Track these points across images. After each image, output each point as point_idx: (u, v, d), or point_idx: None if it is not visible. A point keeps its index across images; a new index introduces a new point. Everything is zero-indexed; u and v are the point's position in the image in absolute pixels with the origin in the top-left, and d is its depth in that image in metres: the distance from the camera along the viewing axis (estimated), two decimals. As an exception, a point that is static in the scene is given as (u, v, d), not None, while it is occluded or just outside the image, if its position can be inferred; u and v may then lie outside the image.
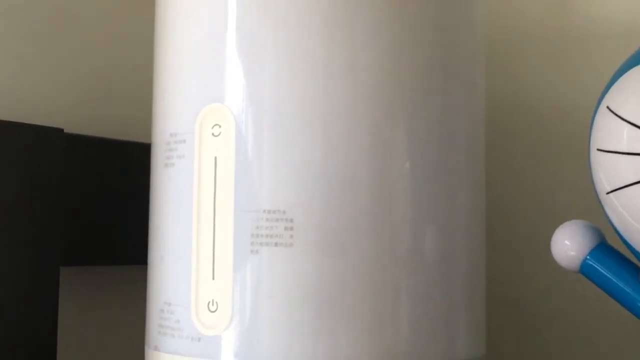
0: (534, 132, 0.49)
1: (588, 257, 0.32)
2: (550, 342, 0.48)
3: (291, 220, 0.32)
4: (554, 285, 0.48)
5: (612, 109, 0.29)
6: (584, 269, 0.32)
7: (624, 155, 0.28)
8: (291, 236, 0.32)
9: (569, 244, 0.32)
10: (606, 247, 0.32)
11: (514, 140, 0.50)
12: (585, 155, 0.31)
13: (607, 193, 0.29)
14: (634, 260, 0.31)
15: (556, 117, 0.48)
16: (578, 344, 0.47)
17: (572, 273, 0.33)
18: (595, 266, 0.32)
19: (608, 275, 0.31)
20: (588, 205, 0.35)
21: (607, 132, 0.29)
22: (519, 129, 0.50)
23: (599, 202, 0.31)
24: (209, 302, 0.33)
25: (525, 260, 0.49)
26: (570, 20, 0.49)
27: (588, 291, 0.36)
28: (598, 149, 0.29)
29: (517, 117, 0.50)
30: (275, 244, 0.32)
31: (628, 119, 0.28)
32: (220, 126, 0.33)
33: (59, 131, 0.40)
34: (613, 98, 0.29)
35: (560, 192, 0.48)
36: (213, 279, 0.33)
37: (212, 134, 0.33)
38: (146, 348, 0.36)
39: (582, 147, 0.34)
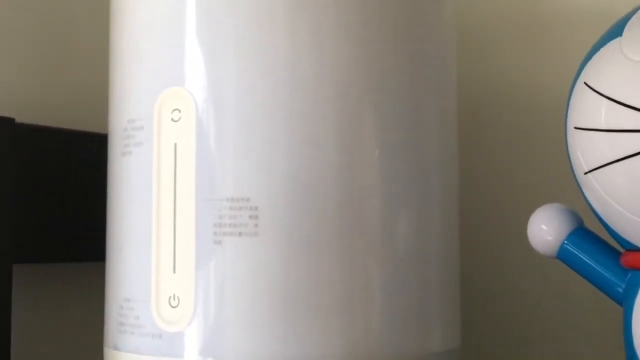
0: (506, 117, 0.48)
1: (566, 241, 0.31)
2: (528, 331, 0.47)
3: (256, 209, 0.31)
4: (530, 274, 0.47)
5: (590, 84, 0.28)
6: (562, 254, 0.31)
7: (602, 133, 0.27)
8: (256, 225, 0.30)
9: (545, 229, 0.31)
10: (584, 231, 0.31)
11: (487, 126, 0.49)
12: (559, 138, 0.30)
13: (585, 173, 0.28)
14: (613, 243, 0.30)
15: (528, 102, 0.48)
16: (556, 332, 0.46)
17: (549, 259, 0.32)
18: (574, 251, 0.31)
19: (586, 259, 0.30)
20: (563, 190, 0.35)
21: (585, 109, 0.28)
22: (491, 114, 0.49)
23: (577, 184, 0.30)
24: (170, 297, 0.31)
25: (500, 248, 0.48)
26: (543, 4, 0.48)
27: (565, 278, 0.35)
28: (575, 127, 0.28)
29: (490, 102, 0.49)
30: (240, 234, 0.31)
31: (606, 94, 0.27)
32: (180, 111, 0.32)
33: (10, 121, 0.38)
34: (590, 74, 0.28)
35: (533, 177, 0.47)
36: (174, 272, 0.31)
37: (172, 119, 0.32)
38: (105, 348, 0.34)
39: (554, 130, 0.34)
